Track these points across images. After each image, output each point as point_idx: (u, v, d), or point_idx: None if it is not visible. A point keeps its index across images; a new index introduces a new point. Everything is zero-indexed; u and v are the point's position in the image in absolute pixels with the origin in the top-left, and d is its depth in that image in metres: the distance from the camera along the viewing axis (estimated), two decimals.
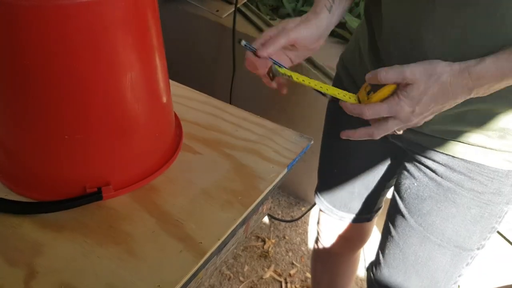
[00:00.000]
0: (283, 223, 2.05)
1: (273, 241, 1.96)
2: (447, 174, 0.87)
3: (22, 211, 0.70)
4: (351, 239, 1.26)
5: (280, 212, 2.09)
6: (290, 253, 1.93)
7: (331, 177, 1.15)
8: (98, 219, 0.70)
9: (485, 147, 0.82)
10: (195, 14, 1.82)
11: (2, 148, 0.74)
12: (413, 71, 0.68)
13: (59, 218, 0.69)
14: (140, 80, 0.69)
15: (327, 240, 1.28)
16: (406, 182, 0.95)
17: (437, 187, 0.89)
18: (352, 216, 1.17)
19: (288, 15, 1.73)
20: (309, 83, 0.75)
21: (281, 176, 0.80)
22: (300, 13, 1.72)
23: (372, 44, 0.89)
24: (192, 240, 0.67)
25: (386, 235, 1.01)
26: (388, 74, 0.69)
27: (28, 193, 0.72)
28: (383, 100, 0.71)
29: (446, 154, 0.86)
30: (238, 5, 1.73)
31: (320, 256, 1.37)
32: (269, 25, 1.70)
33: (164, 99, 0.77)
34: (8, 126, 0.69)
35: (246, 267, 1.86)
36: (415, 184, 0.93)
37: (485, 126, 0.80)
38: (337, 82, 1.03)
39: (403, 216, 0.95)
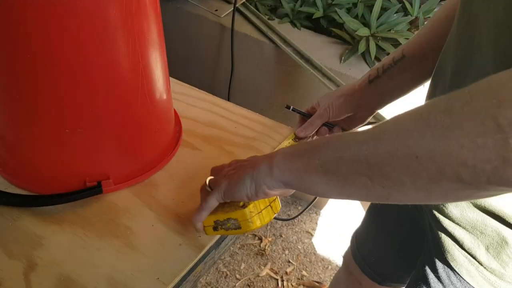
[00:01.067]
0: (279, 222, 2.05)
1: (269, 239, 1.96)
2: (430, 278, 0.74)
3: (22, 204, 0.70)
4: None
5: None
6: (287, 251, 1.94)
7: (371, 239, 1.08)
8: (98, 212, 0.70)
9: (475, 259, 0.66)
10: (194, 13, 1.83)
11: (2, 142, 0.74)
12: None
13: (59, 211, 0.70)
14: (141, 76, 0.69)
15: (350, 280, 1.20)
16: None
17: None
18: (380, 279, 1.10)
19: (286, 16, 1.74)
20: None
21: None
22: (298, 13, 1.72)
23: None
24: (191, 234, 0.67)
25: None
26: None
27: (28, 186, 0.73)
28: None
29: (440, 253, 0.72)
30: (237, 5, 1.74)
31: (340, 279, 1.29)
32: (267, 25, 1.71)
33: (164, 96, 0.77)
34: (9, 119, 0.70)
35: (243, 265, 1.86)
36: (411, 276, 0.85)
37: (485, 226, 0.64)
38: None
39: None
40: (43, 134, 0.68)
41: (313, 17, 1.68)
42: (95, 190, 0.71)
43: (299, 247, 1.97)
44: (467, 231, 0.65)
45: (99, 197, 0.72)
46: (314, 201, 1.91)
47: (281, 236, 2.00)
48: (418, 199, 0.44)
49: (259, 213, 0.60)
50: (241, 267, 1.86)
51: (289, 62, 1.67)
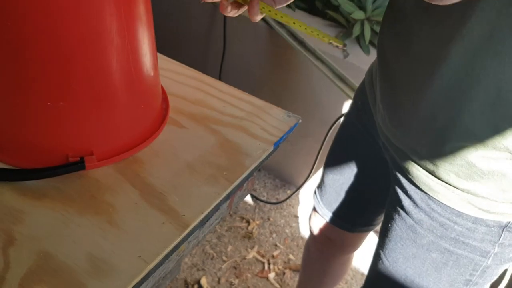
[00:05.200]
0: (268, 205, 2.05)
1: (257, 222, 1.96)
2: (410, 209, 0.81)
3: (1, 178, 0.68)
4: (345, 245, 1.24)
5: (265, 194, 2.09)
6: (274, 235, 1.94)
7: (333, 185, 1.13)
8: (79, 188, 0.68)
9: (449, 184, 0.74)
10: None
11: None
12: None
13: (40, 187, 0.68)
14: (125, 49, 0.67)
15: (319, 243, 1.27)
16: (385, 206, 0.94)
17: (401, 222, 0.84)
18: (349, 226, 1.16)
19: None
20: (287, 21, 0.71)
21: (267, 153, 0.79)
22: None
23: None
24: (175, 212, 0.66)
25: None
26: None
27: (8, 159, 0.71)
28: None
29: (409, 180, 0.80)
30: None
31: (311, 255, 1.36)
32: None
33: (151, 72, 0.75)
34: None
35: (230, 247, 1.86)
36: (386, 213, 0.91)
37: (453, 158, 0.72)
38: (361, 91, 1.01)
39: (378, 243, 0.94)
40: (24, 107, 0.66)
41: None
42: (78, 166, 0.69)
43: (287, 231, 1.97)
44: (437, 166, 0.74)
45: (81, 173, 0.70)
46: (303, 185, 1.91)
47: (269, 219, 2.00)
48: None
49: None
50: (228, 249, 1.85)
51: (283, 44, 1.65)
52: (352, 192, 1.10)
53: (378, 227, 1.06)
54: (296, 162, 2.05)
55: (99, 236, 0.62)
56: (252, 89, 1.02)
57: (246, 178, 0.76)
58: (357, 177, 1.07)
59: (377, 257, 0.93)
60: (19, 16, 0.57)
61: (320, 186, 1.18)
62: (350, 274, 1.83)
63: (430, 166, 0.75)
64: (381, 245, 0.91)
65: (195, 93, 0.89)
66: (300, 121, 0.88)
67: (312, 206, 1.24)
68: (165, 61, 0.96)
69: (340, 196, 1.12)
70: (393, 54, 0.78)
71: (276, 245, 1.90)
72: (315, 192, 1.21)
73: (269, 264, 1.83)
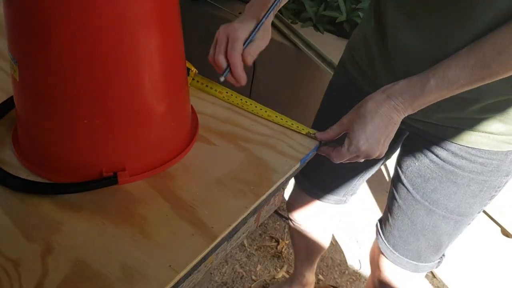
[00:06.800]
0: None
1: (287, 242, 1.96)
2: (449, 159, 0.94)
3: (41, 191, 0.72)
4: (324, 218, 1.38)
5: None
6: None
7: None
8: (115, 201, 0.72)
9: (487, 132, 0.89)
10: (217, 15, 1.85)
11: (24, 132, 0.77)
12: (348, 119, 0.81)
13: (78, 200, 0.72)
14: (159, 70, 0.71)
15: (301, 219, 1.39)
16: (407, 160, 1.03)
17: (439, 169, 0.97)
18: (329, 196, 1.25)
19: (310, 19, 1.75)
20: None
21: (294, 169, 0.82)
22: (321, 17, 1.73)
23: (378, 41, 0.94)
24: (204, 225, 0.69)
25: (392, 201, 1.11)
26: (333, 131, 0.84)
27: (47, 175, 0.75)
28: None
29: (450, 142, 0.92)
30: None
31: (295, 233, 1.48)
32: (290, 29, 1.72)
33: (181, 91, 0.79)
34: (30, 110, 0.72)
35: (259, 266, 1.87)
36: (416, 164, 1.00)
37: (488, 113, 0.86)
38: (341, 68, 1.12)
39: (407, 190, 1.04)
40: (62, 125, 0.70)
41: (336, 21, 1.69)
42: (111, 180, 0.73)
43: None
44: (476, 122, 0.89)
45: (116, 187, 0.74)
46: None
47: None
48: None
49: None
50: (257, 269, 1.86)
51: (311, 66, 1.68)
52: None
53: None
54: None
55: (132, 246, 0.65)
56: (281, 110, 1.04)
57: (273, 193, 0.78)
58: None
59: (411, 203, 1.05)
60: (62, 40, 0.62)
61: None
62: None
63: (469, 124, 0.89)
64: (413, 195, 1.04)
65: (225, 112, 0.93)
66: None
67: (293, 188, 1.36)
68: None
69: (326, 168, 1.19)
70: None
71: None
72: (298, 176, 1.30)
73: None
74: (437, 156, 0.96)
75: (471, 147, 0.91)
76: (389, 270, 1.18)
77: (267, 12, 0.85)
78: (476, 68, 0.72)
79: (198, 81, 0.97)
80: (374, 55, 0.96)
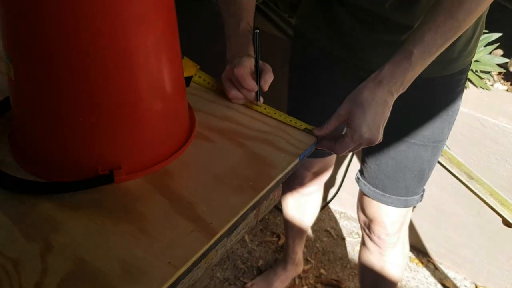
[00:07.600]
0: None
1: None
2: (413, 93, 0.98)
3: (37, 190, 0.72)
4: (316, 172, 1.50)
5: None
6: (305, 249, 1.94)
7: (300, 113, 1.15)
8: (113, 199, 0.72)
9: (444, 61, 1.02)
10: (217, 11, 1.85)
11: (21, 133, 0.76)
12: (345, 110, 0.84)
13: (76, 198, 0.72)
14: (154, 68, 0.71)
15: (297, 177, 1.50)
16: None
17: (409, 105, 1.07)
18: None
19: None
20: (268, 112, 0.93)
21: (292, 165, 0.81)
22: None
23: None
24: (203, 221, 0.68)
25: (369, 150, 1.21)
26: (331, 125, 0.86)
27: (44, 174, 0.75)
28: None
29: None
30: (257, 3, 1.75)
31: (291, 203, 1.60)
32: (287, 23, 1.72)
33: (177, 88, 0.79)
34: (25, 109, 0.72)
35: (261, 262, 1.87)
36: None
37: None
38: (299, 34, 1.24)
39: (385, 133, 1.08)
40: (56, 124, 0.70)
41: None
42: (107, 179, 0.73)
43: (318, 245, 1.97)
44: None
45: (115, 185, 0.74)
46: (333, 199, 1.91)
47: None
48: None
49: None
50: (259, 264, 1.87)
51: None
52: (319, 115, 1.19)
53: None
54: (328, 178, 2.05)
55: (131, 243, 0.65)
56: (279, 105, 1.04)
57: (272, 189, 0.78)
58: (325, 100, 1.25)
59: (395, 143, 1.17)
60: (57, 37, 0.62)
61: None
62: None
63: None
64: (394, 134, 1.14)
65: (223, 109, 0.93)
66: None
67: None
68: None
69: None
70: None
71: (307, 259, 1.90)
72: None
73: (300, 278, 1.83)
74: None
75: (435, 77, 1.05)
76: (384, 213, 1.28)
77: (255, 46, 0.96)
78: (446, 24, 0.80)
79: (200, 77, 0.98)
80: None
